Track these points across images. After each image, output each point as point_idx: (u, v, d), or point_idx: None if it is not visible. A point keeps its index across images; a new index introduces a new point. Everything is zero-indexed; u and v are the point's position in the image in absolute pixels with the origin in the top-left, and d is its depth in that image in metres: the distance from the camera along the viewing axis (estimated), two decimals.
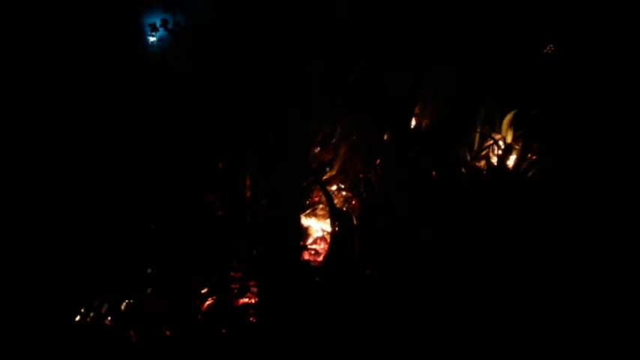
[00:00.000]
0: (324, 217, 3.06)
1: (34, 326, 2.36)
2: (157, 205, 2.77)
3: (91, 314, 2.56)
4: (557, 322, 2.28)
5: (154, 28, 3.24)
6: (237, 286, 2.71)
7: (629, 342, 2.18)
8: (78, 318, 2.56)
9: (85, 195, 2.66)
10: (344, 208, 3.06)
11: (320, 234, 3.02)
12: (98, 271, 2.58)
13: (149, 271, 2.65)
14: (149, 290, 2.64)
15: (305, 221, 3.04)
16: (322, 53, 3.09)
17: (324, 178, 3.15)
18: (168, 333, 2.52)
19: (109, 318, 2.58)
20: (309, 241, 2.99)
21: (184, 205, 2.81)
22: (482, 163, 3.29)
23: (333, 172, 3.18)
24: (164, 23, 3.22)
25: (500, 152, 3.30)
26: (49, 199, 2.61)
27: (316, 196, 3.08)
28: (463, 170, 3.18)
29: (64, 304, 2.53)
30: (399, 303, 2.48)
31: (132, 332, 2.50)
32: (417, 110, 3.57)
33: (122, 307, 2.62)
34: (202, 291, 2.69)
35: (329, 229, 2.89)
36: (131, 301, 2.63)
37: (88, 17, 3.04)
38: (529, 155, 3.22)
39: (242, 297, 2.70)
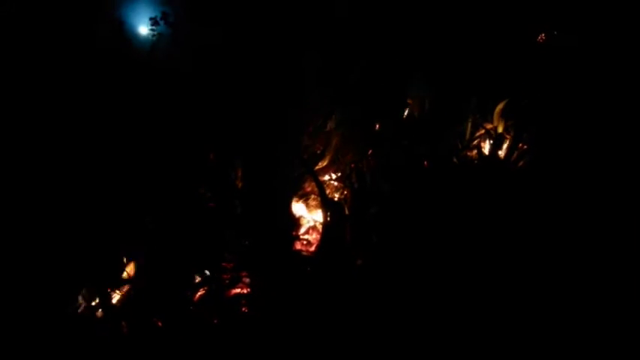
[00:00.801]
0: (316, 207, 3.06)
1: (25, 318, 2.35)
2: (148, 196, 2.75)
3: (83, 306, 2.55)
4: (546, 309, 2.30)
5: (155, 22, 3.15)
6: (228, 276, 2.70)
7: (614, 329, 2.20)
8: (69, 310, 2.55)
9: (75, 187, 2.63)
10: (336, 198, 3.07)
11: (312, 224, 3.02)
12: (89, 262, 2.57)
13: (141, 261, 2.64)
14: (141, 281, 2.63)
15: (297, 211, 3.03)
16: (319, 48, 3.08)
17: (316, 168, 3.15)
18: (160, 324, 2.51)
19: (100, 310, 2.57)
20: (301, 231, 2.99)
21: (176, 196, 2.79)
22: (474, 152, 3.30)
23: (325, 163, 3.18)
24: (164, 16, 3.13)
25: (491, 142, 3.31)
26: (36, 190, 2.59)
27: (308, 187, 3.08)
28: (455, 160, 3.19)
29: (55, 295, 2.52)
30: (391, 292, 2.49)
31: (123, 323, 2.49)
32: (409, 100, 3.58)
33: (113, 299, 2.61)
34: (194, 282, 2.68)
35: (321, 219, 2.89)
36: (123, 292, 2.62)
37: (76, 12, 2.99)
38: (520, 145, 3.24)
39: (234, 287, 2.69)
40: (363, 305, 2.44)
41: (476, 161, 3.23)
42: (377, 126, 3.35)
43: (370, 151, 3.22)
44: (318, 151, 3.19)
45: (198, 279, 2.69)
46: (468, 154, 3.32)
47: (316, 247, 2.83)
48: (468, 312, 2.34)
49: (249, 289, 2.67)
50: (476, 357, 2.23)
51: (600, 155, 3.02)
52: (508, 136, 3.30)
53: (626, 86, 3.24)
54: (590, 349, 2.18)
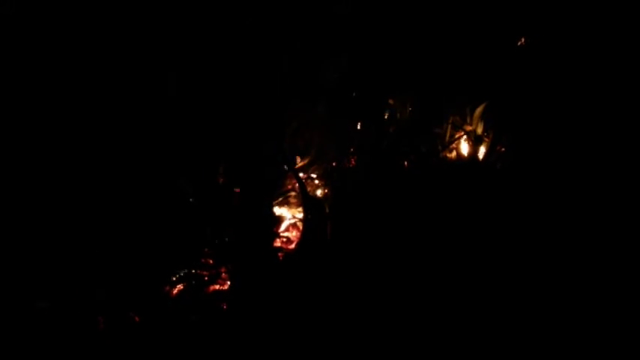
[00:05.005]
0: (296, 204, 3.06)
1: None
2: (126, 191, 2.73)
3: (59, 301, 2.52)
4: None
5: None
6: (208, 272, 2.69)
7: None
8: (46, 304, 2.51)
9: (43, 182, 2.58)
10: (317, 196, 3.08)
11: (293, 221, 3.03)
12: (65, 257, 2.53)
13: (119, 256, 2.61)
14: (119, 276, 2.60)
15: (277, 209, 3.03)
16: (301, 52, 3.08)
17: (298, 166, 3.15)
18: (137, 319, 2.50)
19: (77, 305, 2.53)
20: (282, 228, 2.99)
21: (156, 191, 2.77)
22: (454, 154, 3.34)
23: (306, 161, 3.18)
24: None
25: (470, 143, 3.36)
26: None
27: (289, 184, 3.08)
28: (434, 160, 3.23)
29: (30, 291, 2.47)
30: (371, 289, 2.51)
31: (100, 319, 2.46)
32: (391, 101, 3.60)
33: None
34: (173, 278, 2.67)
35: (301, 216, 2.90)
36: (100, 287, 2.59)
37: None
38: (498, 147, 3.29)
39: (213, 284, 2.69)
40: (342, 302, 2.46)
41: (455, 162, 3.27)
42: (359, 125, 3.36)
43: (352, 150, 3.24)
44: (300, 149, 3.19)
45: (177, 275, 2.68)
46: (448, 155, 3.36)
47: (296, 245, 2.84)
48: (447, 311, 2.38)
49: (228, 286, 2.67)
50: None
51: (579, 157, 3.09)
52: (487, 139, 3.34)
53: (605, 89, 3.31)
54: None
